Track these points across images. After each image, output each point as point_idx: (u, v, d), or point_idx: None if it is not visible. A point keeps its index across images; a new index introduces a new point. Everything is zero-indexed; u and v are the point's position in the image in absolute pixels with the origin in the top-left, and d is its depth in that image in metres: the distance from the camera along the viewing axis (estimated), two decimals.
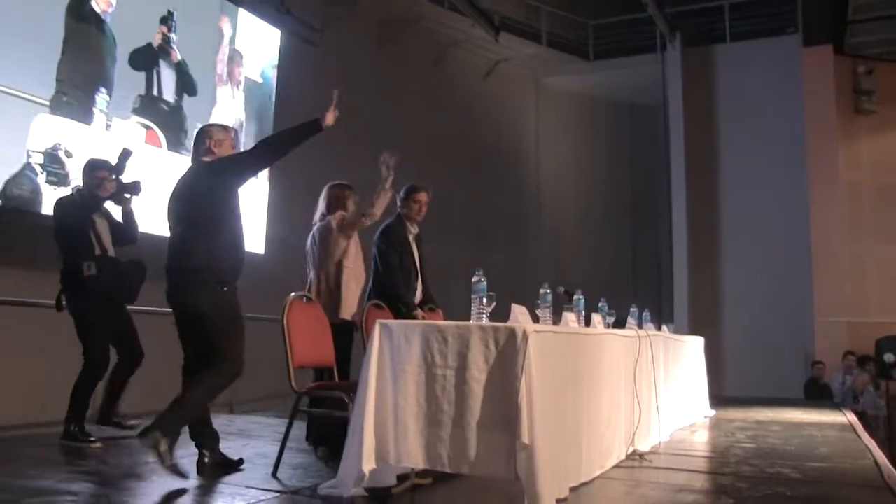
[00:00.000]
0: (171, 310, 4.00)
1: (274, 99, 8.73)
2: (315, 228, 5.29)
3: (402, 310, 5.02)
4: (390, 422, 3.25)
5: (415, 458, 3.22)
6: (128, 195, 5.19)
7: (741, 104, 13.10)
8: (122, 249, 5.30)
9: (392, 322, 3.37)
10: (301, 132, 4.23)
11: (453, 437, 3.13)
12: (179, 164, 6.82)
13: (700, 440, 5.99)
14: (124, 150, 5.11)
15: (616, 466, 4.35)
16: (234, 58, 8.29)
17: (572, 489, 3.52)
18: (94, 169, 5.16)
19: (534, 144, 14.57)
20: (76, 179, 5.75)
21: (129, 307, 5.34)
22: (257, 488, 3.54)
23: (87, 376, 4.97)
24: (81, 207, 5.06)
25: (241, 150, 4.40)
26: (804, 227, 12.17)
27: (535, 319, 3.98)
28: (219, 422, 6.20)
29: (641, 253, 14.80)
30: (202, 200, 3.96)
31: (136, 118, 6.38)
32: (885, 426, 10.77)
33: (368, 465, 3.22)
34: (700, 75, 13.48)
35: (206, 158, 4.13)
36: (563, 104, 14.79)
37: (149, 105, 6.93)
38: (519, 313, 3.37)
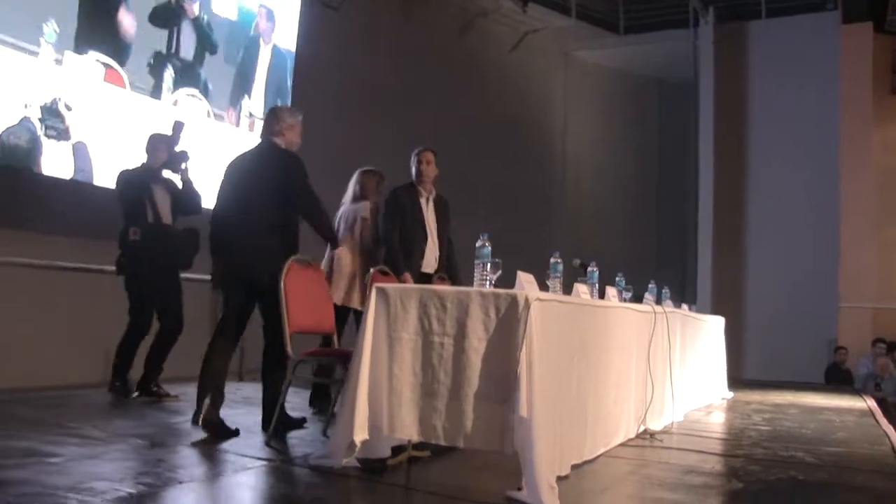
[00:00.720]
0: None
1: (292, 64, 8.50)
2: (344, 209, 5.49)
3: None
4: (384, 391, 3.12)
5: (408, 430, 3.08)
6: (182, 164, 5.50)
7: (774, 83, 12.75)
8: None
9: (389, 287, 3.22)
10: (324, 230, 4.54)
11: (449, 408, 2.99)
12: (150, 107, 6.44)
13: (714, 421, 5.84)
14: (177, 122, 5.51)
15: (624, 444, 4.21)
16: (264, 14, 8.09)
17: (574, 466, 3.38)
18: (153, 142, 5.53)
19: (560, 119, 14.31)
20: (77, 135, 5.72)
21: None
22: (248, 456, 3.43)
23: (130, 335, 5.36)
24: (137, 176, 5.39)
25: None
26: (833, 211, 11.89)
27: (546, 290, 3.83)
28: (226, 389, 6.21)
29: (666, 232, 14.56)
30: (278, 179, 4.17)
31: (94, 54, 5.86)
32: None
33: (360, 435, 3.09)
34: (733, 52, 13.14)
35: (277, 140, 4.35)
36: (591, 78, 14.49)
37: (162, 63, 6.70)
38: (525, 281, 3.20)
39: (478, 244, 3.30)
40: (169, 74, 6.71)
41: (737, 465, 3.87)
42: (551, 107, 14.17)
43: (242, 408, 5.14)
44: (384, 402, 3.13)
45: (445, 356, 3.02)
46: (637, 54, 14.01)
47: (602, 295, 4.44)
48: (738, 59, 13.16)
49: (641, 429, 4.56)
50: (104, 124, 6.09)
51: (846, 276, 11.75)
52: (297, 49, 8.54)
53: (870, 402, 7.81)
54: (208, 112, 7.12)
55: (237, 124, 7.48)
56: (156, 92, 6.56)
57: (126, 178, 5.40)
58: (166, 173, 5.57)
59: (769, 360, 11.65)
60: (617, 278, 4.94)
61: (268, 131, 4.40)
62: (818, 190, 12.15)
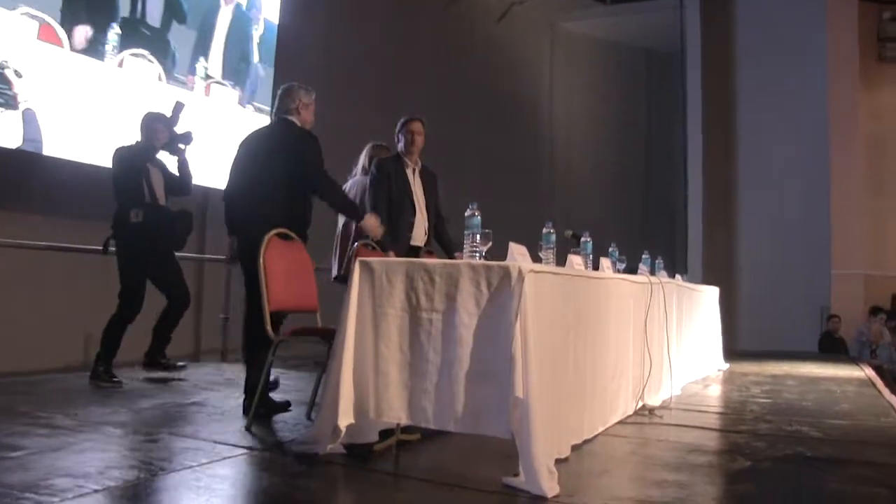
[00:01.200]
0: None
1: (276, 36, 8.23)
2: (353, 181, 5.59)
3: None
4: (370, 372, 2.91)
5: (396, 413, 2.89)
6: (181, 145, 5.54)
7: (761, 51, 12.65)
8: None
9: (374, 260, 3.00)
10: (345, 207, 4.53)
11: (439, 389, 2.79)
12: (91, 68, 5.85)
13: (713, 395, 5.68)
14: (177, 102, 5.50)
15: (623, 422, 4.04)
16: None
17: (573, 447, 3.20)
18: (151, 121, 5.45)
19: (548, 90, 14.12)
20: (26, 101, 5.42)
21: None
22: (227, 444, 3.22)
23: (120, 318, 5.19)
24: (137, 156, 5.32)
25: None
26: (824, 179, 11.79)
27: (538, 262, 3.63)
28: (206, 370, 6.03)
29: (655, 202, 14.42)
30: (296, 158, 4.16)
31: (23, 8, 5.19)
32: None
33: (345, 419, 2.89)
34: (719, 21, 13.01)
35: (292, 118, 4.34)
36: (578, 49, 14.30)
37: (129, 29, 6.33)
38: (517, 252, 2.99)
39: (467, 213, 3.09)
40: (114, 33, 6.04)
41: (740, 442, 3.71)
42: (538, 78, 13.97)
43: (224, 390, 4.95)
44: (370, 383, 2.93)
45: (434, 333, 2.82)
46: (624, 24, 13.83)
47: (596, 266, 4.25)
48: (724, 27, 13.03)
49: (639, 404, 4.39)
50: (46, 88, 5.54)
51: (838, 242, 11.66)
52: (280, 21, 8.28)
53: (867, 371, 7.69)
54: (159, 75, 6.44)
55: (192, 88, 6.83)
56: (96, 53, 5.86)
57: (124, 156, 5.30)
58: (161, 154, 5.57)
59: (762, 329, 11.57)
60: (610, 249, 4.75)
61: (282, 110, 4.37)
62: (808, 157, 12.05)
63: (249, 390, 3.90)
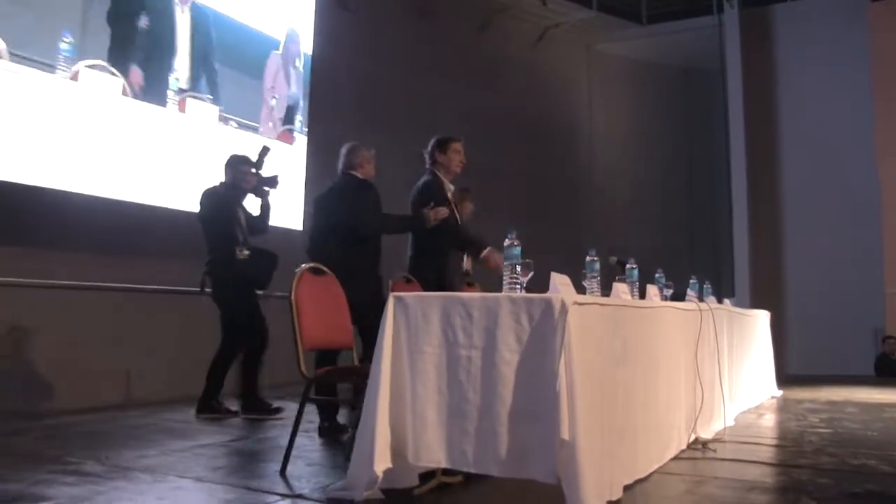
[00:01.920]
0: None
1: (307, 66, 8.22)
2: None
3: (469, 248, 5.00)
4: (407, 413, 2.75)
5: (436, 457, 2.72)
6: (267, 188, 5.74)
7: (803, 66, 12.40)
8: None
9: (408, 295, 2.85)
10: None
11: (480, 431, 2.62)
12: (41, 82, 5.43)
13: (769, 425, 5.42)
14: (263, 147, 5.72)
15: (676, 458, 3.82)
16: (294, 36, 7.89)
17: (626, 488, 3.00)
18: (239, 164, 5.65)
19: (587, 113, 13.98)
20: None
21: None
22: (258, 490, 3.07)
23: (229, 353, 5.48)
24: (231, 200, 5.56)
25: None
26: (873, 194, 11.43)
27: (582, 292, 3.46)
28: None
29: (699, 225, 14.15)
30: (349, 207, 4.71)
31: None
32: None
33: (382, 464, 2.73)
34: (759, 37, 12.79)
35: (354, 172, 4.89)
36: (616, 71, 14.17)
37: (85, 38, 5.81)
38: (559, 283, 2.83)
39: (505, 244, 2.93)
40: (67, 43, 5.55)
41: (803, 478, 3.47)
42: (576, 101, 13.84)
43: (260, 428, 4.82)
44: (407, 425, 2.77)
45: (474, 371, 2.66)
46: (661, 44, 13.66)
47: (643, 294, 4.07)
48: (764, 43, 12.81)
49: (692, 437, 4.17)
50: None
51: (890, 260, 11.27)
52: (313, 53, 8.28)
53: None
54: (124, 88, 5.98)
55: (164, 104, 6.34)
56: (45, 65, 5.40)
57: (217, 200, 5.52)
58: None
59: (813, 352, 11.23)
60: (657, 275, 4.56)
61: (345, 165, 4.94)
62: (855, 173, 11.71)
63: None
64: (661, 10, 13.46)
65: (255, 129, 7.08)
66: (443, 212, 4.64)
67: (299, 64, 7.96)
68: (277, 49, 7.63)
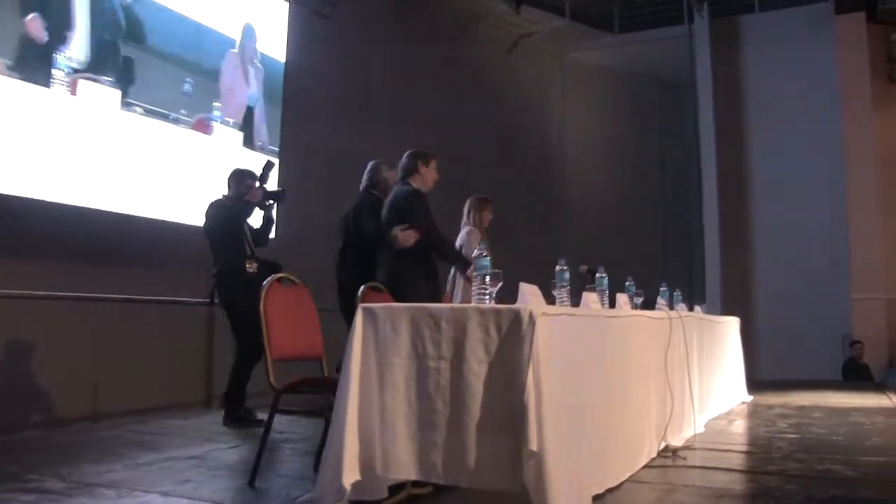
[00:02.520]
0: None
1: (279, 72, 8.17)
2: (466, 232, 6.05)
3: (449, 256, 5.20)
4: (376, 425, 2.74)
5: (405, 468, 2.71)
6: (272, 202, 5.90)
7: (772, 76, 12.59)
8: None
9: (376, 306, 2.85)
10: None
11: (449, 442, 2.62)
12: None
13: (738, 431, 5.46)
14: (268, 161, 5.83)
15: (647, 466, 3.83)
16: (249, 33, 7.75)
17: (597, 497, 3.01)
18: (243, 177, 5.80)
19: (559, 122, 14.06)
20: None
21: None
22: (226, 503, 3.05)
23: (247, 363, 5.51)
24: (237, 214, 5.67)
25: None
26: (839, 202, 11.64)
27: (552, 301, 3.47)
28: (213, 418, 5.87)
29: (671, 232, 14.28)
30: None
31: None
32: None
33: (351, 476, 2.72)
34: (729, 47, 12.99)
35: (375, 192, 5.20)
36: (588, 79, 14.28)
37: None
38: (528, 293, 2.83)
39: (475, 254, 2.93)
40: None
41: (772, 485, 3.49)
42: (549, 109, 13.91)
43: (230, 440, 4.78)
44: (376, 437, 2.76)
45: (443, 383, 2.66)
46: (633, 53, 13.79)
47: (613, 303, 4.08)
48: (734, 53, 13.00)
49: (662, 445, 4.19)
50: None
51: (856, 267, 11.46)
52: (287, 59, 8.24)
53: (895, 399, 7.46)
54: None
55: (49, 85, 5.59)
56: None
57: (223, 213, 5.63)
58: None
59: (783, 358, 11.36)
60: (627, 283, 4.59)
61: (367, 182, 5.40)
62: (823, 182, 11.93)
63: None
64: (633, 19, 13.55)
65: (164, 117, 6.54)
66: (411, 236, 4.72)
67: (257, 62, 7.83)
68: (234, 48, 7.51)
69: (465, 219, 6.14)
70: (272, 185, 5.95)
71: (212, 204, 5.70)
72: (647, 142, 14.42)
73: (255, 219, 6.01)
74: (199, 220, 5.85)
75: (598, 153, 14.05)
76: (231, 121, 7.31)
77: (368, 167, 5.45)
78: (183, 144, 6.70)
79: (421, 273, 4.87)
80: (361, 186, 5.50)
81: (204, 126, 7.02)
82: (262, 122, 7.83)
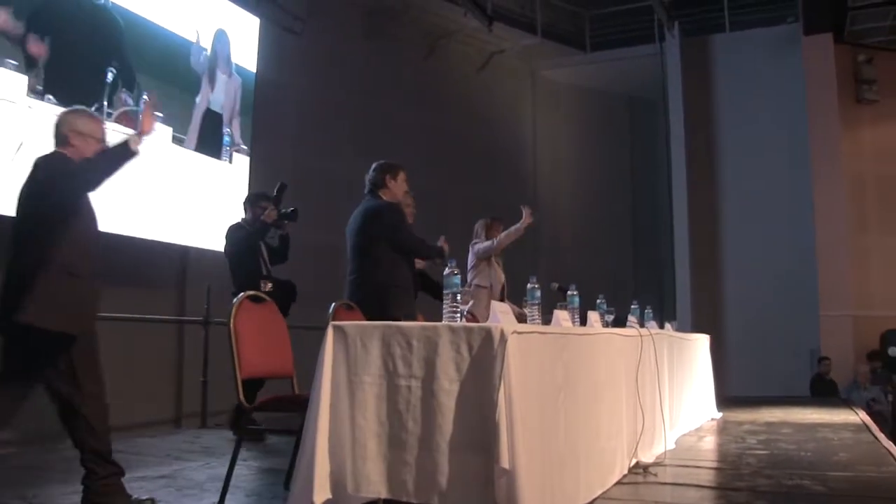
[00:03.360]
0: None
1: (250, 84, 8.13)
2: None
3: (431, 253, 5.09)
4: (347, 443, 2.73)
5: (376, 487, 2.70)
6: (287, 221, 6.05)
7: (742, 95, 12.75)
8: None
9: (347, 324, 2.84)
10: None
11: (420, 461, 2.62)
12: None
13: (708, 447, 5.49)
14: (281, 183, 5.96)
15: (618, 483, 3.84)
16: (222, 38, 7.68)
17: None
18: (258, 200, 6.07)
19: (531, 139, 14.10)
20: None
21: None
22: None
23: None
24: (254, 234, 5.89)
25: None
26: (808, 220, 11.78)
27: (523, 320, 3.48)
28: (183, 437, 5.81)
29: (642, 249, 14.36)
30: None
31: None
32: (892, 420, 10.43)
33: (321, 495, 2.70)
34: (699, 66, 13.12)
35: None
36: (560, 97, 14.35)
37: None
38: (499, 311, 2.84)
39: (445, 272, 2.94)
40: None
41: (741, 501, 3.52)
42: (521, 127, 13.96)
43: (200, 459, 4.74)
44: (347, 455, 2.74)
45: (413, 401, 2.65)
46: (605, 71, 13.89)
47: (584, 320, 4.10)
48: (704, 73, 13.14)
49: (633, 462, 4.20)
50: None
51: (824, 284, 11.59)
52: (257, 72, 8.21)
53: (862, 416, 7.54)
54: None
55: None
56: None
57: (240, 236, 5.88)
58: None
59: (753, 374, 11.40)
60: (598, 301, 4.61)
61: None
62: (792, 200, 12.07)
63: None
64: (604, 37, 13.66)
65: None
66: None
67: (228, 70, 7.77)
68: (204, 54, 7.44)
69: (476, 238, 6.66)
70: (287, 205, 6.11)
71: (230, 227, 5.99)
72: (618, 159, 14.51)
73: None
74: (149, 232, 5.78)
75: (570, 170, 14.12)
76: (161, 114, 6.52)
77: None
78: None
79: (404, 286, 4.84)
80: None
81: (128, 120, 6.40)
82: (226, 129, 7.72)
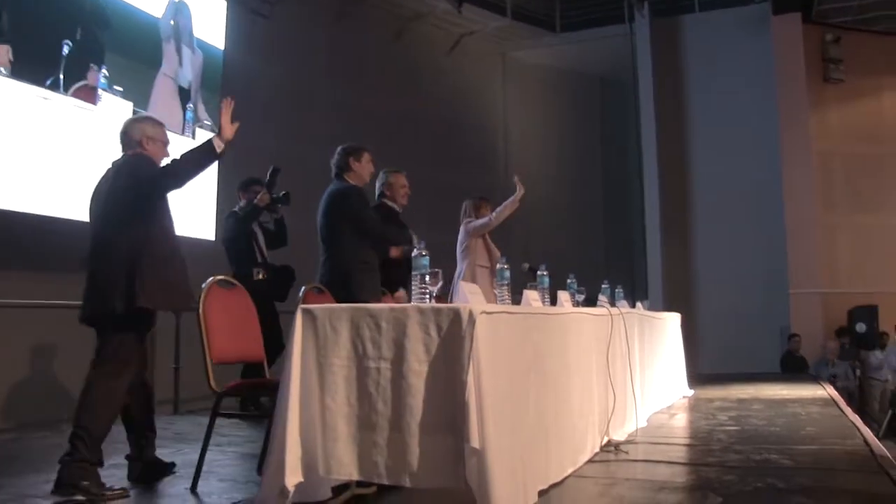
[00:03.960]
0: None
1: (218, 69, 8.03)
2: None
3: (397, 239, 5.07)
4: (317, 426, 2.73)
5: (347, 469, 2.71)
6: (280, 205, 6.07)
7: (711, 75, 12.85)
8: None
9: (316, 307, 2.84)
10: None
11: (391, 442, 2.62)
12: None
13: (679, 424, 5.56)
14: (273, 168, 5.98)
15: (590, 461, 3.88)
16: (184, 11, 7.53)
17: (541, 493, 3.04)
18: (250, 185, 6.08)
19: (501, 121, 14.10)
20: None
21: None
22: None
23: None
24: (245, 218, 5.92)
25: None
26: (777, 198, 11.92)
27: (494, 300, 3.49)
28: (157, 424, 5.76)
29: (613, 229, 14.42)
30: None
31: None
32: (858, 394, 10.64)
33: (293, 478, 2.71)
34: (669, 46, 13.18)
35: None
36: (530, 79, 14.33)
37: None
38: (468, 292, 2.85)
39: (413, 254, 2.94)
40: None
41: (711, 476, 3.57)
42: (491, 108, 13.94)
43: (172, 445, 4.71)
44: (318, 438, 2.75)
45: (383, 383, 2.66)
46: (575, 52, 13.90)
47: (554, 300, 4.12)
48: (674, 53, 13.20)
49: (605, 440, 4.24)
50: None
51: (794, 262, 11.74)
52: (224, 57, 8.12)
53: (829, 390, 7.67)
54: None
55: None
56: None
57: (236, 220, 5.93)
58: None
59: (724, 352, 11.57)
60: (569, 280, 4.63)
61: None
62: (762, 179, 12.21)
63: None
64: (575, 18, 13.67)
65: (39, 81, 5.98)
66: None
67: (192, 44, 7.63)
68: (168, 27, 7.30)
69: (467, 217, 6.54)
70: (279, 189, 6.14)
71: (225, 216, 6.16)
72: (589, 140, 14.55)
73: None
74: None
75: (541, 152, 14.12)
76: (121, 89, 6.66)
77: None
78: (64, 117, 6.12)
79: (369, 267, 4.83)
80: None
81: (88, 94, 6.35)
82: (198, 105, 7.63)
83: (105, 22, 6.65)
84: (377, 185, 5.53)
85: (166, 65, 7.28)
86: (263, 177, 6.07)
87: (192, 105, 7.57)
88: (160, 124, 3.85)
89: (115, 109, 6.50)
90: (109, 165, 3.62)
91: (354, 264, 4.71)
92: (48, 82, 6.00)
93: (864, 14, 12.35)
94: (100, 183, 3.63)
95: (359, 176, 4.91)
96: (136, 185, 3.45)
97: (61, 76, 6.09)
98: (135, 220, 3.43)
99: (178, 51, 7.44)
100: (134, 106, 6.75)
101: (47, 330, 5.91)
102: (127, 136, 3.67)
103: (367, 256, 4.80)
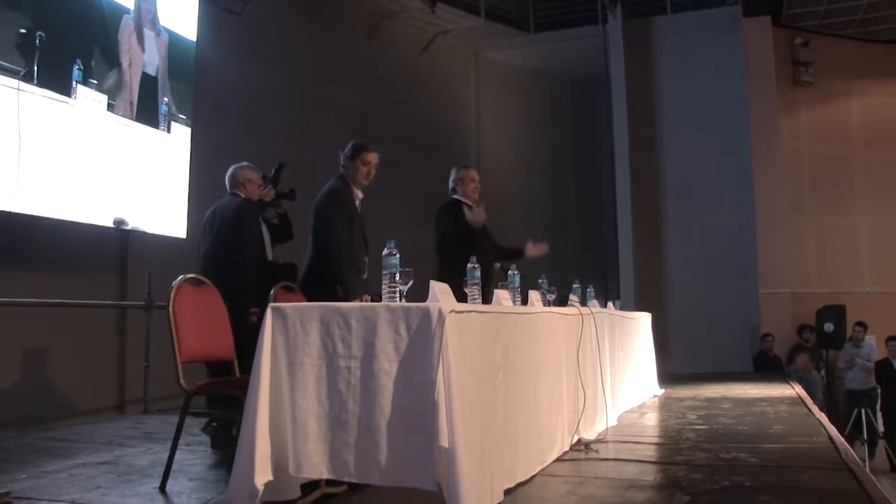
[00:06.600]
0: None
1: (189, 65, 7.95)
2: None
3: (339, 294, 4.39)
4: (287, 425, 2.73)
5: (317, 468, 2.70)
6: (284, 200, 5.78)
7: (683, 77, 12.89)
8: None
9: (286, 305, 2.83)
10: None
11: (360, 441, 2.63)
12: None
13: (649, 423, 5.60)
14: (279, 163, 5.76)
15: (559, 460, 3.91)
16: None
17: (508, 491, 3.05)
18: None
19: (474, 120, 14.08)
20: None
21: None
22: None
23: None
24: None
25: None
26: (748, 199, 12.03)
27: (464, 299, 3.49)
28: (126, 423, 5.74)
29: (585, 230, 14.45)
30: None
31: None
32: (824, 394, 10.76)
33: (263, 476, 2.70)
34: (641, 48, 13.21)
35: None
36: (504, 78, 14.30)
37: None
38: (439, 291, 2.85)
39: (384, 252, 2.94)
40: None
41: (679, 475, 3.60)
42: (464, 108, 13.93)
43: (142, 444, 4.69)
44: (288, 437, 2.74)
45: (353, 382, 2.66)
46: (548, 52, 13.90)
47: (525, 300, 4.14)
48: (646, 54, 13.24)
49: (575, 439, 4.27)
50: None
51: (764, 262, 11.85)
52: (196, 53, 8.04)
53: (798, 389, 7.75)
54: None
55: None
56: None
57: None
58: None
59: (695, 351, 11.62)
60: (540, 280, 4.65)
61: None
62: (732, 180, 12.30)
63: None
64: (548, 18, 13.71)
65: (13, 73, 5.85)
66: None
67: (157, 29, 7.43)
68: (129, 14, 7.09)
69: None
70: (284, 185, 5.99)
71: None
72: (561, 140, 14.56)
73: None
74: (88, 211, 5.64)
75: (513, 151, 14.09)
76: (95, 82, 6.56)
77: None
78: (39, 112, 5.99)
79: (350, 265, 4.72)
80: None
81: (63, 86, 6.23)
82: (165, 93, 7.46)
83: (79, 14, 6.55)
84: (450, 180, 5.74)
85: (132, 49, 7.10)
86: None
87: (166, 99, 7.48)
88: (256, 169, 5.09)
89: (90, 103, 6.43)
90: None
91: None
92: (21, 74, 5.89)
93: (832, 18, 12.51)
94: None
95: (350, 174, 4.85)
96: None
97: (35, 67, 5.98)
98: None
99: (140, 36, 7.21)
100: (108, 100, 6.66)
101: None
102: (234, 179, 4.80)
103: (350, 253, 4.75)
